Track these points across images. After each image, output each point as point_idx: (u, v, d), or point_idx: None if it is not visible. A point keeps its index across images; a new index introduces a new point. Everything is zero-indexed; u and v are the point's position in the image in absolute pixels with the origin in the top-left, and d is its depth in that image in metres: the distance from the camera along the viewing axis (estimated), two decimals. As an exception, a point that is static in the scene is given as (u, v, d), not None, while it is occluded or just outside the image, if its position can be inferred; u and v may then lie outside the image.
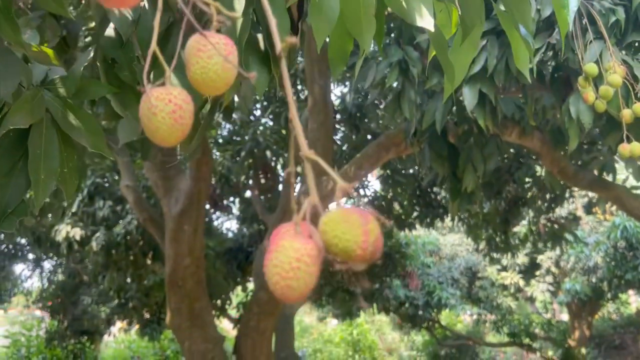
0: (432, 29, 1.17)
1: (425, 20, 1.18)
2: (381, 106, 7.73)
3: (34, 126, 1.29)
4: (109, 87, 1.39)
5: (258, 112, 9.58)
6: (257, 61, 1.37)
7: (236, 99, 2.24)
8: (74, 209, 9.42)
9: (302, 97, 8.96)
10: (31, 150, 1.27)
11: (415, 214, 9.14)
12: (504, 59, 2.93)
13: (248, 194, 10.44)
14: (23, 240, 12.80)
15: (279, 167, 9.74)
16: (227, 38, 0.86)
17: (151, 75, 1.53)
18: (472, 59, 1.60)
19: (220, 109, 1.56)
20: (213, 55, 0.79)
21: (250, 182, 9.79)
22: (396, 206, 9.45)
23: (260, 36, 1.39)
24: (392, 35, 3.47)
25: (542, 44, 2.81)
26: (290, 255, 0.67)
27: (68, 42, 1.97)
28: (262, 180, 9.53)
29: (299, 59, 8.48)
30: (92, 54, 1.39)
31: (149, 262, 9.84)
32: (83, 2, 2.32)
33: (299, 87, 8.96)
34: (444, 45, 1.53)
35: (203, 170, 6.31)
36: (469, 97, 2.99)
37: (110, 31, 1.37)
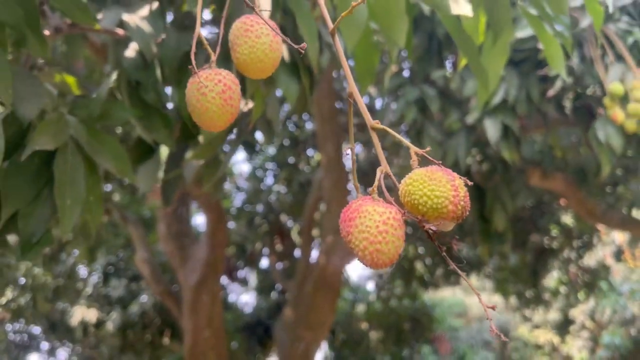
0: (471, 14, 1.12)
1: (461, 7, 1.13)
2: (394, 162, 7.71)
3: (59, 151, 1.23)
4: (133, 111, 1.34)
5: (270, 180, 9.63)
6: (285, 72, 1.32)
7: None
8: (88, 291, 9.32)
9: (313, 163, 9.02)
10: (57, 175, 1.21)
11: (439, 272, 8.86)
12: (524, 89, 2.90)
13: (264, 263, 10.27)
14: (36, 330, 12.55)
15: (294, 232, 9.64)
16: (271, 20, 0.81)
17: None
18: (503, 65, 1.54)
19: (249, 127, 1.50)
20: (261, 35, 0.76)
21: (266, 249, 9.65)
22: (418, 266, 9.19)
23: (285, 48, 1.35)
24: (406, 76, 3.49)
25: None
26: (376, 219, 0.64)
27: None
28: (278, 247, 9.39)
29: (308, 124, 8.61)
30: (114, 77, 1.35)
31: (166, 341, 9.54)
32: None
33: (308, 153, 9.04)
34: (474, 51, 1.48)
35: (219, 236, 6.21)
36: (491, 130, 2.93)
37: (131, 52, 1.33)
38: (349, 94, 0.75)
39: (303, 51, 0.73)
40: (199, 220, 10.30)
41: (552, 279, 9.87)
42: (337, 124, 6.08)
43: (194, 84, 0.71)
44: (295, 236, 9.55)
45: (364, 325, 10.66)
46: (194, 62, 0.73)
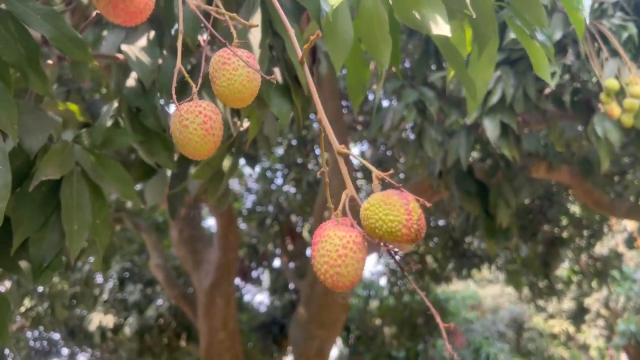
0: (449, 35, 1.17)
1: (441, 28, 1.18)
2: (401, 160, 7.75)
3: (65, 178, 1.30)
4: (135, 136, 1.40)
5: (280, 181, 9.69)
6: (277, 93, 1.38)
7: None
8: (105, 297, 9.45)
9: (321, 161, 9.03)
10: (64, 201, 1.27)
11: (450, 266, 8.88)
12: (521, 87, 2.93)
13: (276, 263, 10.35)
14: (56, 336, 12.75)
15: (304, 231, 9.70)
16: (248, 52, 0.87)
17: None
18: (490, 75, 1.58)
19: (246, 146, 1.56)
20: (238, 67, 0.81)
21: (278, 250, 9.73)
22: (429, 260, 9.21)
23: (277, 70, 1.41)
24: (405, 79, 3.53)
25: (556, 68, 2.81)
26: (336, 243, 0.68)
27: (91, 117, 2.05)
28: (290, 247, 9.46)
29: (315, 124, 8.65)
30: (116, 105, 1.42)
31: (183, 343, 9.66)
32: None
33: (317, 152, 9.07)
34: (461, 63, 1.53)
35: (230, 239, 6.30)
36: (490, 129, 2.97)
37: (131, 81, 1.40)
38: (318, 120, 0.80)
39: (275, 82, 0.78)
40: (211, 222, 10.39)
41: (564, 269, 9.84)
42: (342, 123, 6.12)
43: (176, 116, 0.76)
44: (306, 235, 9.62)
45: (378, 321, 10.71)
46: (174, 96, 0.78)
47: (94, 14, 1.65)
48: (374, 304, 11.05)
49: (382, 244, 0.68)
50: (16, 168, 1.21)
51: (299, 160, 8.98)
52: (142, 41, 1.46)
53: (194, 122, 0.76)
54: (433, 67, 3.62)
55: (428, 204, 0.70)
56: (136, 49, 1.42)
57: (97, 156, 1.37)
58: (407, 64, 4.55)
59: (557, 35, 2.67)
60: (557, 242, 7.96)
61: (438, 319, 0.71)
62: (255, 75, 0.80)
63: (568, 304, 12.55)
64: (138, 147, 1.46)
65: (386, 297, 10.79)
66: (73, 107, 1.40)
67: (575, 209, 7.81)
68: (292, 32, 0.82)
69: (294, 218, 9.38)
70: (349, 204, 0.80)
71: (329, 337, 6.54)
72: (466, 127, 3.40)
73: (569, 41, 2.85)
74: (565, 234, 8.02)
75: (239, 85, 0.80)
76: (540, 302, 10.12)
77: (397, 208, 0.66)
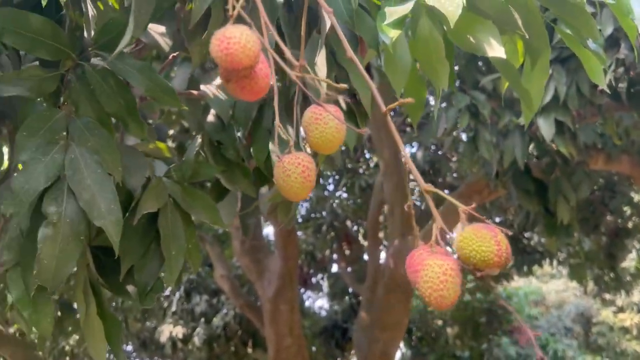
0: (504, 57, 1.25)
1: (495, 50, 1.26)
2: (453, 159, 7.72)
3: (161, 211, 1.46)
4: (218, 167, 1.56)
5: (331, 187, 9.81)
6: (345, 121, 1.49)
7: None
8: (173, 308, 9.84)
9: (372, 165, 9.11)
10: (162, 231, 1.44)
11: (510, 263, 8.75)
12: (574, 84, 2.93)
13: (334, 268, 10.48)
14: (129, 348, 13.37)
15: (360, 236, 9.78)
16: (335, 106, 1.01)
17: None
18: (544, 83, 1.64)
19: (317, 168, 1.69)
20: (328, 122, 0.96)
21: (335, 255, 9.86)
22: (488, 258, 9.09)
23: (341, 98, 1.53)
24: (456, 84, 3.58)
25: (610, 62, 2.80)
26: (437, 271, 0.82)
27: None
28: (347, 252, 9.57)
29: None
30: (199, 140, 1.58)
31: (249, 350, 9.93)
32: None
33: (367, 155, 9.13)
34: (515, 75, 1.60)
35: (290, 249, 6.48)
36: (545, 128, 2.98)
37: (211, 117, 1.56)
38: (405, 161, 0.92)
39: (366, 134, 0.90)
40: (269, 229, 10.65)
41: (631, 260, 9.46)
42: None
43: (279, 167, 0.92)
44: (362, 239, 9.71)
45: (440, 322, 10.64)
46: (277, 151, 0.92)
47: (170, 57, 1.82)
48: (434, 304, 10.97)
49: (474, 269, 0.82)
50: (120, 204, 1.38)
51: (350, 166, 9.06)
52: (218, 80, 1.62)
53: (294, 172, 0.92)
54: (480, 62, 3.66)
55: (509, 232, 0.83)
56: (213, 88, 1.58)
57: (184, 188, 1.53)
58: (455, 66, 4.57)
59: (609, 30, 2.67)
60: (622, 233, 7.70)
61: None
62: (341, 126, 0.94)
63: (639, 296, 12.04)
64: (220, 177, 1.62)
65: (446, 297, 10.69)
66: (162, 145, 1.58)
67: (639, 197, 7.53)
68: (374, 86, 0.94)
69: (348, 223, 9.49)
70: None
71: (392, 340, 6.59)
72: (520, 126, 3.42)
73: (621, 34, 2.84)
74: (630, 224, 7.75)
75: (330, 136, 0.96)
76: (608, 296, 9.77)
77: (487, 240, 0.80)
